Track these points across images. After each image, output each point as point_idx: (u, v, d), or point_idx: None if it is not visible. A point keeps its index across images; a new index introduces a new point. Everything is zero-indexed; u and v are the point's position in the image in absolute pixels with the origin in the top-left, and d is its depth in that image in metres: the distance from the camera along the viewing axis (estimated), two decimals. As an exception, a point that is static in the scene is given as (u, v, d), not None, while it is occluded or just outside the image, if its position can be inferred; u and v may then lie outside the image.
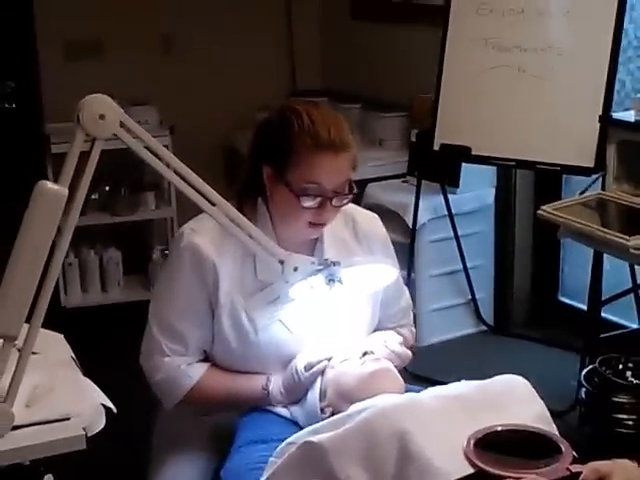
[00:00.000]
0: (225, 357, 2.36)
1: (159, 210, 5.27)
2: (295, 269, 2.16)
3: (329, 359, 2.28)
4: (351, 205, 2.40)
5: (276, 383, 2.32)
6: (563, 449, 1.85)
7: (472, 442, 1.85)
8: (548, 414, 2.01)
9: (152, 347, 2.33)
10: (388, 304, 2.49)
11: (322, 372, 2.27)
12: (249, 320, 2.29)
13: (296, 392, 2.29)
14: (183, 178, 2.04)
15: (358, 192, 2.35)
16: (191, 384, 2.33)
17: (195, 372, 2.34)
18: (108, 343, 4.44)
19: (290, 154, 2.20)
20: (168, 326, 2.32)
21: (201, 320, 2.32)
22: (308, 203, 2.21)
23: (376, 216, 2.53)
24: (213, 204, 2.09)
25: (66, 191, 1.87)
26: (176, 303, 2.32)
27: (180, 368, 2.32)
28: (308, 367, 2.26)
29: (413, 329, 2.60)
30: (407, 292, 2.60)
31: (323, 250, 2.36)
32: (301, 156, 2.19)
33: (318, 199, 2.21)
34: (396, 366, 2.30)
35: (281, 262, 2.16)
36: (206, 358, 2.39)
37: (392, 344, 2.34)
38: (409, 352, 2.36)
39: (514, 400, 2.02)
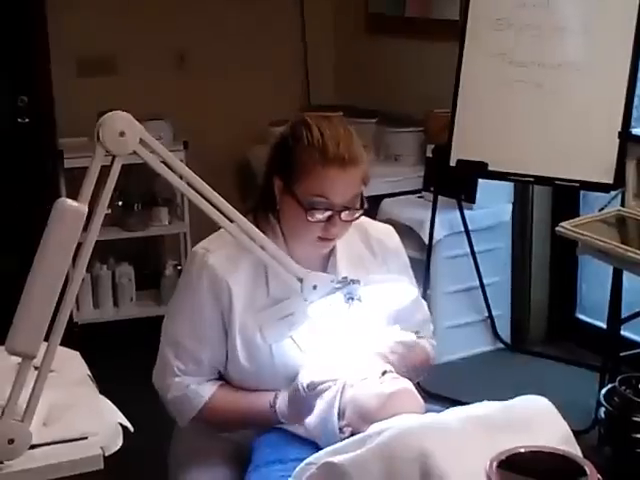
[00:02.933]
0: (239, 377, 2.35)
1: (172, 225, 5.26)
2: (314, 287, 2.16)
3: (334, 381, 2.23)
4: (364, 218, 2.39)
5: (283, 399, 2.29)
6: (588, 471, 1.82)
7: (495, 464, 1.82)
8: (572, 435, 1.98)
9: (163, 367, 2.34)
10: (404, 317, 2.44)
11: (341, 391, 2.23)
12: (262, 338, 2.28)
13: (300, 406, 2.25)
14: (202, 195, 2.02)
15: (373, 208, 2.33)
16: (202, 402, 2.32)
17: (206, 391, 2.33)
18: (120, 359, 4.44)
19: (298, 167, 2.20)
20: (181, 348, 2.31)
21: (214, 342, 2.31)
22: (316, 217, 2.21)
23: (390, 227, 2.53)
24: (231, 221, 2.07)
25: (86, 209, 1.86)
26: (189, 325, 2.31)
27: (190, 387, 2.32)
28: (311, 387, 2.22)
29: (433, 342, 2.57)
30: (425, 305, 2.58)
31: (336, 264, 2.35)
32: (309, 169, 2.19)
33: (326, 213, 2.21)
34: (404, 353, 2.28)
35: (300, 280, 2.16)
36: (220, 377, 2.38)
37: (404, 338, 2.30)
38: (424, 345, 2.37)
39: (537, 421, 1.99)
